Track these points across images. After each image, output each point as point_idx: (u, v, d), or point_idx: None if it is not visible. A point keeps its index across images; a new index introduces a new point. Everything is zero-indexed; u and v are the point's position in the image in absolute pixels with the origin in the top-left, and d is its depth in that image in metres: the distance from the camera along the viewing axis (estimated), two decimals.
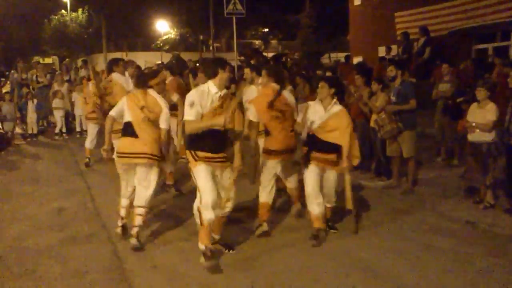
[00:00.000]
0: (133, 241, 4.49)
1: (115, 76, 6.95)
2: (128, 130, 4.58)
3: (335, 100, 4.71)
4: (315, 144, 4.69)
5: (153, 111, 4.58)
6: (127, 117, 4.60)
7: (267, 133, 4.88)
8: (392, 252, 4.38)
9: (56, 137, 11.55)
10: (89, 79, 8.50)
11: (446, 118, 7.28)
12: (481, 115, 5.43)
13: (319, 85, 4.75)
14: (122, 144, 4.64)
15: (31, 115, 11.67)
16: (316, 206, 4.58)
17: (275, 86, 4.83)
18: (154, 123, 4.59)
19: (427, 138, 8.66)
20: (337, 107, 4.71)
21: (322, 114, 4.69)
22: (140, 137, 4.53)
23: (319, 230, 4.63)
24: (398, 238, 4.73)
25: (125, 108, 4.63)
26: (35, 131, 11.71)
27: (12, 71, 12.42)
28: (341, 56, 24.47)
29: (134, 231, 4.52)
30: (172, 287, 3.84)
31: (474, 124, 5.44)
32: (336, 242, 4.66)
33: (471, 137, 5.57)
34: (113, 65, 7.16)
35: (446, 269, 4.02)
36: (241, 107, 5.51)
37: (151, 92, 4.69)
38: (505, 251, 4.39)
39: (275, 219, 5.24)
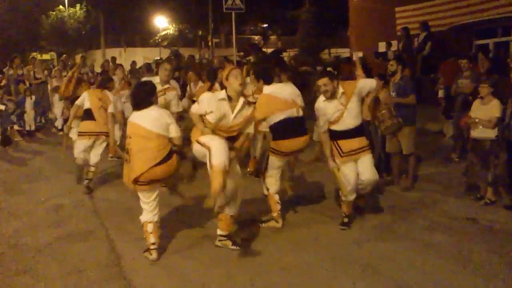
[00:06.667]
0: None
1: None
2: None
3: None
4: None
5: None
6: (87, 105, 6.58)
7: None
8: (392, 249, 4.35)
9: (59, 133, 11.52)
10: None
11: (464, 113, 7.23)
12: (485, 111, 5.39)
13: (320, 83, 4.67)
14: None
15: (29, 112, 11.61)
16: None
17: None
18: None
19: (427, 134, 8.65)
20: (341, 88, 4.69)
21: (337, 104, 4.68)
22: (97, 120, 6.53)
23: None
24: (398, 235, 4.70)
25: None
26: (33, 128, 11.65)
27: (7, 68, 12.31)
28: (341, 51, 24.39)
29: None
30: (170, 284, 3.81)
31: (477, 120, 5.41)
32: (336, 239, 4.63)
33: (474, 133, 5.53)
34: None
35: (446, 266, 3.99)
36: None
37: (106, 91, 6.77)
38: (506, 248, 4.35)
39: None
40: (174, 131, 4.23)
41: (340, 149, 4.74)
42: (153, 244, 4.22)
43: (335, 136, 4.77)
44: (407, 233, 4.74)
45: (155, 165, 4.05)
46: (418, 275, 3.85)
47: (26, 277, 3.97)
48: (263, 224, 4.98)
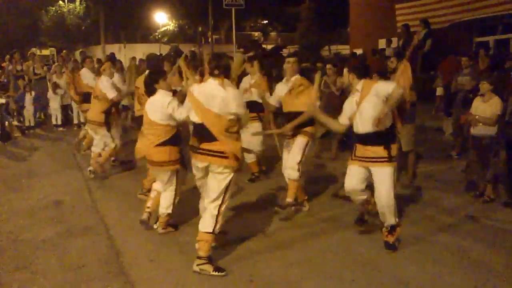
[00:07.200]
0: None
1: (83, 71, 8.43)
2: None
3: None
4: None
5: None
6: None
7: None
8: None
9: (58, 129, 11.55)
10: None
11: (464, 110, 7.23)
12: (485, 109, 5.39)
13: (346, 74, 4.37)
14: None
15: (29, 108, 11.59)
16: None
17: None
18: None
19: (427, 131, 8.64)
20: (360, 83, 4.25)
21: (353, 101, 4.29)
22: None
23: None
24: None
25: None
26: (32, 124, 11.64)
27: (6, 63, 12.28)
28: (341, 48, 24.37)
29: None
30: (169, 280, 3.82)
31: (477, 118, 5.40)
32: (336, 236, 4.64)
33: (474, 130, 5.53)
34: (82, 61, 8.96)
35: (445, 263, 4.00)
36: None
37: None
38: (505, 245, 4.37)
39: (273, 214, 5.23)
40: (178, 115, 4.45)
41: (354, 152, 4.37)
42: (148, 207, 4.75)
43: (354, 137, 4.42)
44: (406, 230, 4.73)
45: (153, 147, 4.57)
46: (417, 271, 3.86)
47: (25, 272, 3.97)
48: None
